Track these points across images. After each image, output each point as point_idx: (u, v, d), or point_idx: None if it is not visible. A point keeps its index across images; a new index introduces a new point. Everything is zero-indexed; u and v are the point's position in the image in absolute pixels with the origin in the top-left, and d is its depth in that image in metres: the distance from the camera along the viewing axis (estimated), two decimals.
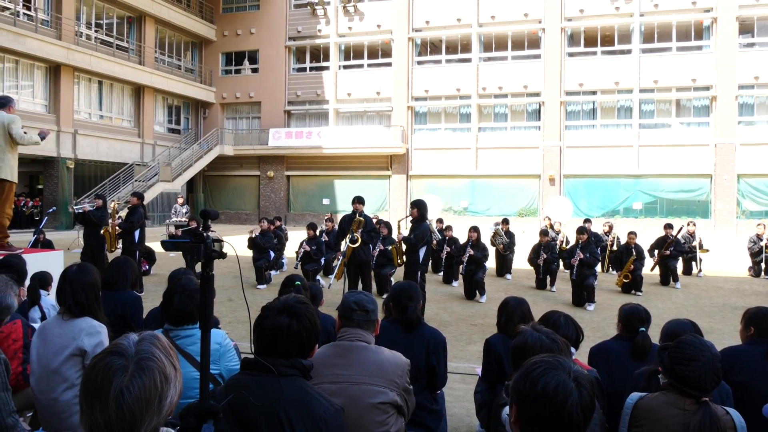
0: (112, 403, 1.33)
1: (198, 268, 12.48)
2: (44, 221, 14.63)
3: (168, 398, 1.40)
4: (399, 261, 10.81)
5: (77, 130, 26.59)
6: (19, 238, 12.80)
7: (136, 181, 28.20)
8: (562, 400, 1.56)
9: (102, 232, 11.51)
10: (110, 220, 11.80)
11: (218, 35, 34.96)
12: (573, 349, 3.43)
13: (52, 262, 6.94)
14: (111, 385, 1.34)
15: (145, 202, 27.11)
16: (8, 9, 23.77)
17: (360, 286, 9.91)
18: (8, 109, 6.95)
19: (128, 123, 30.73)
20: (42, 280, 5.18)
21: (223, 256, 1.99)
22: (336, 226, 11.30)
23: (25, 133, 6.97)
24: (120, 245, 11.88)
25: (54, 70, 25.75)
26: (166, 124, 33.83)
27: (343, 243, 9.77)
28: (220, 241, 1.98)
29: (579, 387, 1.59)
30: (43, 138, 7.18)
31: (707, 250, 14.73)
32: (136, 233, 11.50)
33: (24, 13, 24.53)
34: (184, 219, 18.70)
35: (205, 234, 1.92)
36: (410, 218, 9.61)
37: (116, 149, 29.06)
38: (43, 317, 4.66)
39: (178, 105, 34.60)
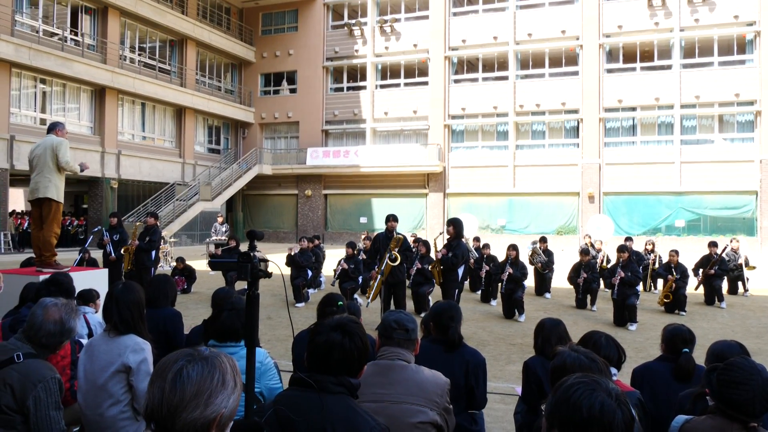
0: (169, 378, 1.43)
1: (237, 286, 12.66)
2: (89, 240, 14.95)
3: (218, 399, 1.45)
4: (440, 280, 10.74)
5: (121, 151, 27.29)
6: (65, 257, 13.11)
7: (177, 200, 28.74)
8: (609, 420, 1.55)
9: (122, 251, 11.92)
10: (129, 240, 12.20)
11: (257, 57, 35.59)
12: (615, 370, 3.38)
13: (96, 280, 7.10)
14: (175, 364, 1.46)
15: (185, 222, 27.89)
16: (56, 35, 24.64)
17: (392, 306, 9.86)
18: (56, 132, 7.18)
19: (170, 143, 31.42)
20: (84, 297, 5.30)
21: (268, 275, 2.04)
22: (373, 239, 11.30)
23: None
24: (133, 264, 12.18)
25: (99, 93, 26.52)
26: (206, 144, 34.48)
27: (378, 261, 9.74)
28: (265, 260, 2.02)
29: (619, 404, 1.58)
30: (82, 170, 7.43)
31: (754, 267, 14.33)
32: (153, 252, 12.03)
33: (71, 39, 25.38)
34: (224, 238, 18.97)
35: (252, 254, 1.96)
36: (447, 236, 9.58)
37: (158, 169, 29.70)
38: (90, 334, 4.77)
39: (218, 125, 35.25)
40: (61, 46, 24.36)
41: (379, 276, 9.61)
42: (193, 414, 1.41)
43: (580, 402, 1.57)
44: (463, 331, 3.96)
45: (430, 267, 10.91)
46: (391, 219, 9.88)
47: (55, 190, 7.05)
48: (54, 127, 7.26)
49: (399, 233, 9.80)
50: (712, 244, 13.15)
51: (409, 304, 11.24)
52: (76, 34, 25.66)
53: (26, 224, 25.03)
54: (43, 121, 24.04)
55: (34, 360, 3.01)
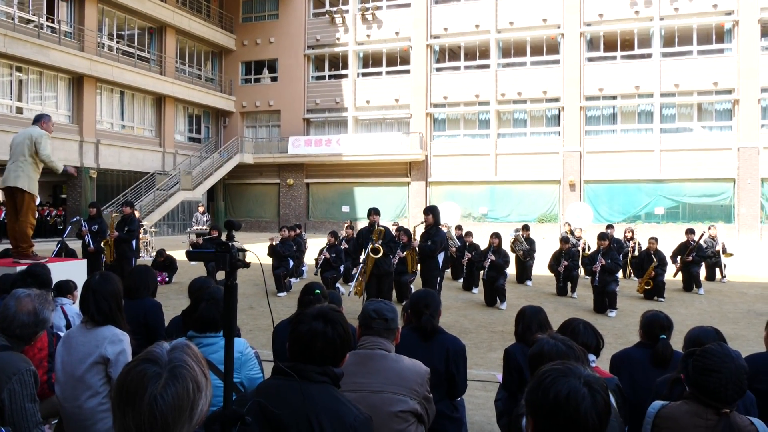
0: (145, 410, 1.34)
1: (219, 276, 12.58)
2: (68, 230, 14.76)
3: (199, 407, 1.42)
4: (413, 269, 10.77)
5: (100, 140, 26.96)
6: (43, 248, 12.99)
7: (157, 190, 28.50)
8: (575, 407, 1.55)
9: (102, 243, 11.84)
10: (108, 231, 12.09)
11: (238, 45, 35.28)
12: (594, 357, 3.41)
13: (75, 271, 7.03)
14: (145, 392, 1.35)
15: (166, 211, 27.68)
16: (32, 21, 24.22)
17: (379, 297, 9.87)
18: (41, 123, 7.08)
19: (150, 132, 31.09)
20: (61, 288, 5.21)
21: (247, 265, 2.02)
22: (356, 234, 11.34)
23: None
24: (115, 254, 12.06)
25: (77, 81, 26.15)
26: (186, 133, 34.18)
27: (362, 254, 9.76)
28: (244, 250, 2.00)
29: (592, 391, 1.58)
30: (64, 172, 7.37)
31: (731, 254, 14.51)
32: (134, 241, 12.02)
33: (48, 26, 24.96)
34: (205, 227, 18.87)
35: (230, 244, 1.95)
36: (425, 225, 9.61)
37: (138, 158, 29.40)
38: (68, 326, 4.72)
39: (199, 114, 34.95)
40: (38, 33, 23.94)
41: (362, 269, 9.62)
42: (183, 430, 1.39)
43: (548, 388, 1.59)
44: (444, 319, 3.98)
45: (404, 253, 10.90)
46: (373, 213, 9.95)
47: (27, 180, 6.94)
48: (40, 119, 7.16)
49: (381, 226, 9.82)
50: (690, 231, 13.33)
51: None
52: (52, 21, 25.22)
53: (2, 214, 24.66)
54: (19, 110, 23.68)
55: (8, 352, 2.97)
